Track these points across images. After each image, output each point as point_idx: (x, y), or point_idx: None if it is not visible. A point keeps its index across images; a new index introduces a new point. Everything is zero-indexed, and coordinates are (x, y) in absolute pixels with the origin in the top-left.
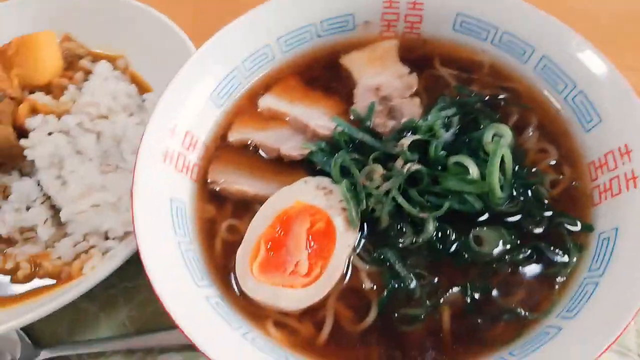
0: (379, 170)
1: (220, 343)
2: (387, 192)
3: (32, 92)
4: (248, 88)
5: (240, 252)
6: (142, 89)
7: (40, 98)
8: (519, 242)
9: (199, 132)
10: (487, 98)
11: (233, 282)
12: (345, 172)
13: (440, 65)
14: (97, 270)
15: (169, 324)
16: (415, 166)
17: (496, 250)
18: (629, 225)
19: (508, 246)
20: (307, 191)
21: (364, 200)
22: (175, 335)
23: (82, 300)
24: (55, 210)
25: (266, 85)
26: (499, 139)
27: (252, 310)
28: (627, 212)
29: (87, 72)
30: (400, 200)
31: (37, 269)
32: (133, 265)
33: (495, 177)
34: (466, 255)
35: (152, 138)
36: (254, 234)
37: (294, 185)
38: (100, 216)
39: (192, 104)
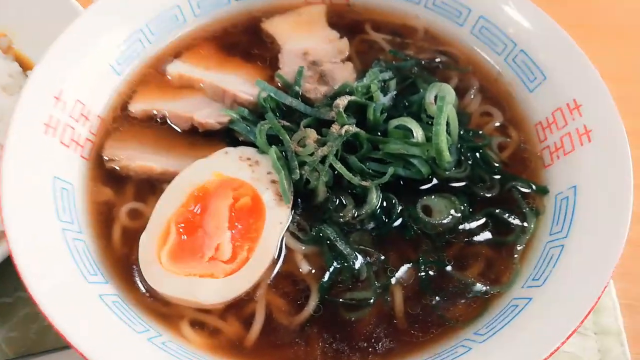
0: (312, 135)
1: (121, 353)
2: (323, 160)
3: None
4: (154, 54)
5: (144, 237)
6: (28, 68)
7: None
8: (470, 209)
9: (92, 102)
10: (423, 62)
11: (136, 276)
12: (272, 141)
13: (373, 30)
14: None
15: (61, 343)
16: (354, 128)
17: (447, 220)
18: (588, 180)
19: (460, 215)
20: (228, 163)
21: (297, 170)
22: (69, 356)
23: None
24: None
25: (176, 52)
26: (443, 97)
27: (161, 310)
28: (584, 167)
29: None
30: (339, 166)
31: None
32: (10, 276)
33: (443, 137)
34: (415, 227)
35: (31, 104)
36: (161, 215)
37: (212, 157)
38: None
39: (83, 69)
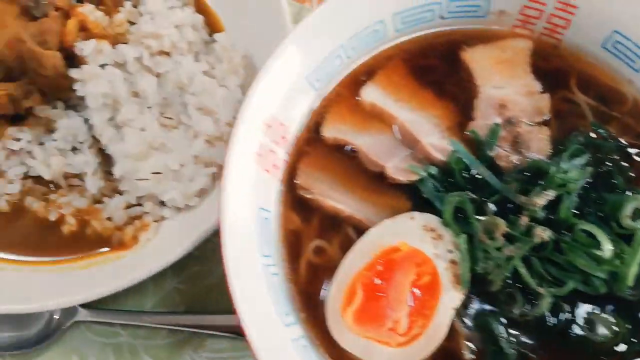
0: (501, 226)
1: None
2: (508, 257)
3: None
4: (350, 71)
5: (332, 291)
6: (211, 22)
7: (90, 12)
8: (634, 333)
9: (290, 120)
10: (625, 146)
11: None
12: (457, 211)
13: (578, 88)
14: (152, 242)
15: (219, 305)
16: (547, 233)
17: (609, 340)
18: None
19: (622, 338)
20: (412, 230)
21: (481, 262)
22: (224, 318)
23: None
24: (104, 156)
25: (370, 71)
26: None
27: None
28: None
29: None
30: (523, 271)
31: (85, 227)
32: None
33: (634, 269)
34: (574, 338)
35: (245, 134)
36: (348, 274)
37: (398, 220)
38: (160, 185)
39: (287, 91)
